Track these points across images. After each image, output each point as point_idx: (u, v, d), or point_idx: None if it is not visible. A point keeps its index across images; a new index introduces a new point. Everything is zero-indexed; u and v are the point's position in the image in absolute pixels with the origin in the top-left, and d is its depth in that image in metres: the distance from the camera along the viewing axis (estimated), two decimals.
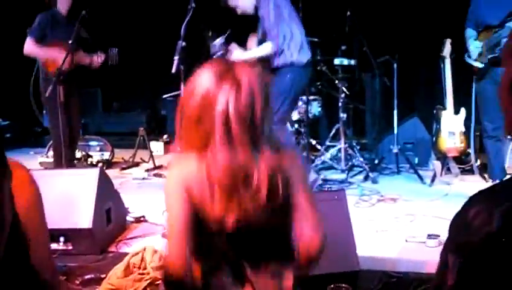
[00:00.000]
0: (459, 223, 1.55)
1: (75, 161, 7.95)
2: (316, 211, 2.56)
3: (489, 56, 6.11)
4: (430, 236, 4.96)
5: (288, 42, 5.92)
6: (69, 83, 6.71)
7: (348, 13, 8.00)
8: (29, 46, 6.70)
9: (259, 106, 2.41)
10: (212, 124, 2.38)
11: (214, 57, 5.97)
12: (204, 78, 2.41)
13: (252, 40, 6.13)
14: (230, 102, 2.35)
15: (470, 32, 6.42)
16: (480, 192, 1.58)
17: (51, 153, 8.32)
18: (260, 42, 6.01)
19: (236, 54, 6.05)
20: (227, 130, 2.37)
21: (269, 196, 2.43)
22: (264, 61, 5.90)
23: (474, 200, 1.55)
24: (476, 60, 6.27)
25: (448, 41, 6.96)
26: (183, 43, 4.93)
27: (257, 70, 2.51)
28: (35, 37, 6.70)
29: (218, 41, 6.07)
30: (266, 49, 5.88)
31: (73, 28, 6.63)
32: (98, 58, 6.98)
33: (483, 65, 6.17)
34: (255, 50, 5.98)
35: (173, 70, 5.02)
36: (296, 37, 6.00)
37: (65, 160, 6.73)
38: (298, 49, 5.99)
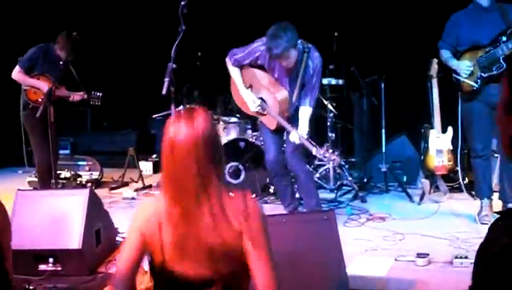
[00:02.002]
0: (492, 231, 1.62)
1: (64, 181, 8.01)
2: (271, 263, 2.56)
3: (485, 75, 6.10)
4: (419, 255, 4.99)
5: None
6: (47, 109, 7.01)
7: (336, 33, 8.06)
8: (16, 74, 7.28)
9: (211, 147, 2.52)
10: (173, 168, 2.51)
11: None
12: (169, 127, 2.55)
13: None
14: (187, 138, 2.48)
15: (448, 53, 6.41)
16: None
17: None
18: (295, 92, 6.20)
19: (296, 135, 6.07)
20: (181, 170, 2.49)
21: (217, 244, 2.49)
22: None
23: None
24: (466, 78, 6.25)
25: (434, 61, 7.00)
26: (174, 65, 4.93)
27: (212, 118, 2.60)
28: (23, 68, 7.25)
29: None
30: (310, 112, 6.18)
31: (59, 66, 7.16)
32: (75, 96, 7.51)
33: (477, 85, 6.17)
34: (307, 119, 6.14)
35: (163, 92, 5.03)
36: None
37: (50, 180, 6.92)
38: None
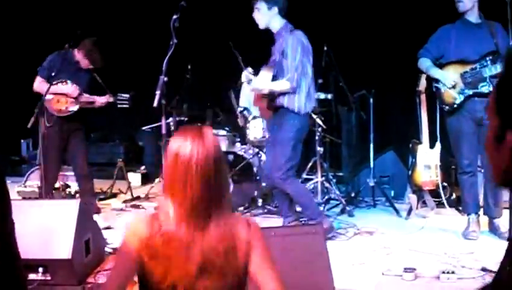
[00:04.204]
0: None
1: (53, 191, 7.96)
2: (280, 278, 2.62)
3: (470, 91, 6.18)
4: (406, 269, 5.01)
5: (300, 88, 6.17)
6: (72, 121, 6.94)
7: (325, 48, 8.12)
8: (37, 84, 6.89)
9: (218, 164, 2.54)
10: (177, 181, 2.51)
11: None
12: (176, 140, 2.55)
13: (265, 74, 6.25)
14: (194, 154, 2.48)
15: (429, 62, 6.48)
16: None
17: (29, 182, 8.40)
18: (275, 77, 6.19)
19: (256, 83, 6.25)
20: (185, 186, 2.49)
21: (216, 267, 2.50)
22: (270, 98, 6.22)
23: None
24: (448, 89, 6.31)
25: (423, 77, 7.05)
26: (165, 78, 4.97)
27: (217, 139, 2.62)
28: (44, 77, 6.87)
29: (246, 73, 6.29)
30: (284, 86, 6.11)
31: (81, 73, 6.98)
32: (100, 101, 7.04)
33: (460, 98, 6.24)
34: (275, 84, 6.14)
35: (155, 104, 5.07)
36: (306, 84, 6.26)
37: (45, 192, 6.76)
38: (305, 97, 6.22)
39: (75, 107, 6.85)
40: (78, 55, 7.00)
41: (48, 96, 6.77)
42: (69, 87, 6.86)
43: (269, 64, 6.31)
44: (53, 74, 6.74)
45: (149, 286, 2.56)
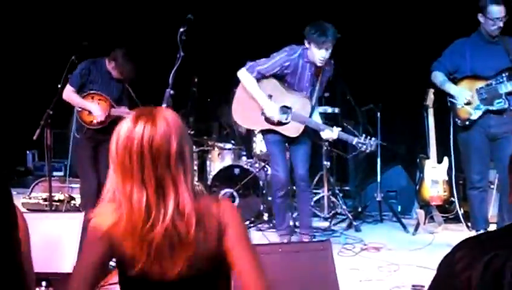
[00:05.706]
0: (445, 263, 1.78)
1: (58, 203, 7.93)
2: (259, 270, 2.45)
3: (485, 107, 6.11)
4: (414, 287, 4.95)
5: None
6: (102, 133, 6.73)
7: (332, 61, 8.08)
8: (67, 94, 6.73)
9: (175, 144, 2.37)
10: (130, 164, 2.37)
11: None
12: (125, 122, 2.43)
13: (304, 104, 6.36)
14: (145, 135, 2.35)
15: (443, 76, 6.39)
16: (467, 239, 1.77)
17: (34, 194, 8.39)
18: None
19: (325, 134, 6.31)
20: (141, 168, 2.35)
21: (188, 244, 2.35)
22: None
23: (460, 245, 1.75)
24: (464, 105, 6.24)
25: (431, 91, 7.02)
26: (172, 91, 4.93)
27: (176, 115, 2.48)
28: (75, 86, 6.74)
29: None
30: None
31: (113, 82, 6.88)
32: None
33: (475, 114, 6.16)
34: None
35: None
36: None
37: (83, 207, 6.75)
38: None
39: (105, 122, 6.76)
40: (109, 65, 6.89)
41: (78, 108, 6.77)
42: (97, 110, 6.74)
43: (303, 90, 6.43)
44: (85, 83, 6.75)
45: (122, 273, 2.48)
